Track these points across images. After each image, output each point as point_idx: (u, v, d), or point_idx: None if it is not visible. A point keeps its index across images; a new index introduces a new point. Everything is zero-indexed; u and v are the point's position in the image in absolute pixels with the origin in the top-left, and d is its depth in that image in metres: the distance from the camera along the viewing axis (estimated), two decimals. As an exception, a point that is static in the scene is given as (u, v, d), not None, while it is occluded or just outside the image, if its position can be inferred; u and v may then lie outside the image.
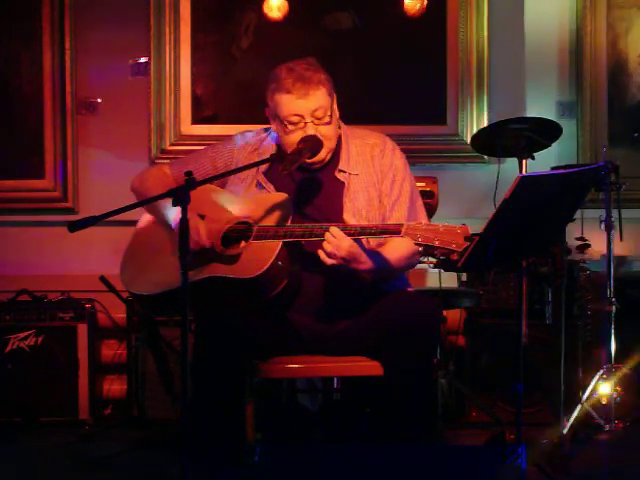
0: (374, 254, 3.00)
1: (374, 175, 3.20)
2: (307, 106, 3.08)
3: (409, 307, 3.00)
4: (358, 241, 2.92)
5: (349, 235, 2.89)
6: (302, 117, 3.09)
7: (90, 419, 4.38)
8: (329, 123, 3.12)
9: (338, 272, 2.96)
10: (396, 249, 3.05)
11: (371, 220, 3.13)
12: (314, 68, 3.13)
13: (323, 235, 2.92)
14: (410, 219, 3.12)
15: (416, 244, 2.78)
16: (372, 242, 3.07)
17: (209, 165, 3.29)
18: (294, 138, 3.10)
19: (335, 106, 3.20)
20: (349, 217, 3.08)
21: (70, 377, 4.38)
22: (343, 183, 3.18)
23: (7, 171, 4.83)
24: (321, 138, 3.10)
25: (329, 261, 2.88)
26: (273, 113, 3.16)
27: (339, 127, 3.24)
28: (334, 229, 2.87)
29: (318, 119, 3.10)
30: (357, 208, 3.14)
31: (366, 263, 2.94)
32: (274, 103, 3.13)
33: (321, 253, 2.88)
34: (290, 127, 3.11)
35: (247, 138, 3.32)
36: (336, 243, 2.86)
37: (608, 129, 4.94)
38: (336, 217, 3.10)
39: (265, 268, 2.94)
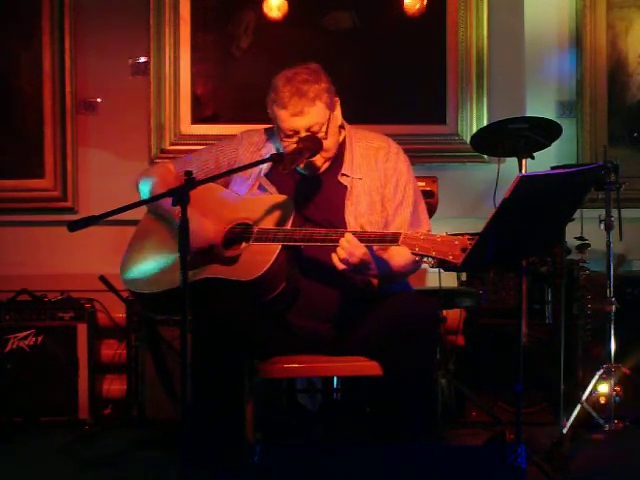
0: (382, 261, 3.02)
1: (377, 179, 3.19)
2: (301, 123, 3.08)
3: (409, 307, 3.00)
4: (369, 248, 2.92)
5: None
6: (297, 132, 3.10)
7: (90, 419, 4.38)
8: (324, 138, 3.11)
9: (338, 275, 2.97)
10: (401, 256, 3.05)
11: (373, 224, 3.12)
12: (314, 78, 3.11)
13: (323, 240, 2.93)
14: (413, 224, 3.13)
15: (413, 254, 2.79)
16: (375, 246, 3.07)
17: (213, 164, 3.29)
18: (289, 149, 3.10)
19: (337, 112, 3.18)
20: (351, 220, 3.08)
21: (70, 377, 4.38)
22: (346, 187, 3.17)
23: (7, 171, 4.83)
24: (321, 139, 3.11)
25: (341, 266, 2.89)
26: (272, 120, 3.17)
27: (343, 128, 3.24)
28: (349, 235, 2.87)
29: (314, 133, 3.10)
30: (359, 212, 3.14)
31: (375, 270, 2.97)
32: (272, 113, 3.14)
33: (334, 257, 2.89)
34: (286, 140, 3.11)
35: (251, 138, 3.32)
36: (350, 250, 2.86)
37: (608, 129, 4.93)
38: (338, 220, 3.10)
39: (264, 271, 2.94)
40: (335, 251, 2.89)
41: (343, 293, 3.09)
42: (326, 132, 3.11)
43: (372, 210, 3.15)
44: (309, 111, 3.07)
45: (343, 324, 3.11)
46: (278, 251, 2.97)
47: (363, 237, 2.89)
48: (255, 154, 3.26)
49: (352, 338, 3.08)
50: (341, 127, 3.23)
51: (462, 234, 2.75)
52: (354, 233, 2.90)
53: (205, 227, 3.05)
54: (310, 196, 3.17)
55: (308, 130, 3.08)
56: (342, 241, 2.87)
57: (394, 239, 2.83)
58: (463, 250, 2.70)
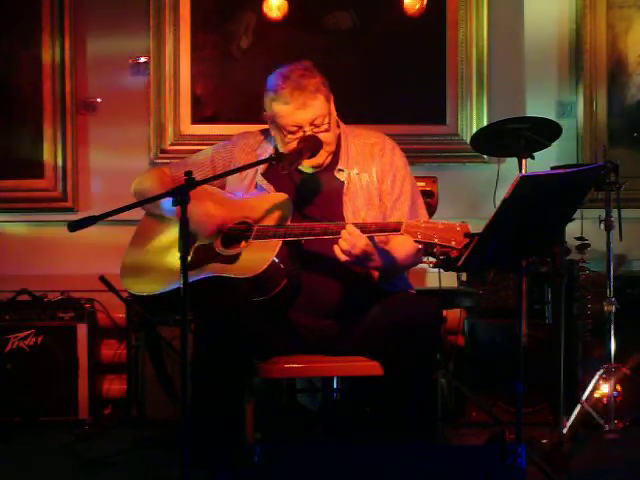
0: (384, 252, 3.02)
1: (374, 174, 3.20)
2: (306, 117, 3.09)
3: (410, 308, 3.00)
4: (371, 239, 2.92)
5: None
6: (301, 127, 3.10)
7: (90, 419, 4.38)
8: (327, 130, 3.12)
9: (340, 271, 2.97)
10: (403, 247, 3.06)
11: (372, 218, 3.12)
12: (309, 73, 3.12)
13: (323, 233, 2.93)
14: (411, 217, 3.13)
15: (416, 242, 2.78)
16: (376, 239, 3.07)
17: (208, 166, 3.30)
18: (292, 146, 3.10)
19: (333, 108, 3.19)
20: (349, 216, 3.09)
21: (70, 377, 4.38)
22: (343, 182, 3.18)
23: (7, 171, 4.83)
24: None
25: (343, 258, 2.89)
26: (271, 120, 3.16)
27: (338, 126, 3.24)
28: (350, 227, 2.88)
29: (317, 127, 3.10)
30: (357, 207, 3.15)
31: (377, 261, 2.97)
32: (272, 112, 3.13)
33: (336, 249, 2.89)
34: (289, 136, 3.11)
35: (246, 139, 3.33)
36: (352, 241, 2.86)
37: (608, 129, 4.93)
38: (336, 216, 3.11)
39: (265, 267, 2.94)
40: (337, 244, 2.89)
41: (345, 288, 3.09)
42: (329, 123, 3.11)
43: (370, 205, 3.16)
44: (312, 104, 3.08)
45: (344, 321, 3.11)
46: (278, 247, 2.97)
47: (365, 228, 2.90)
48: (250, 155, 3.27)
49: (353, 336, 3.08)
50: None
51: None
52: (356, 225, 2.91)
53: (210, 213, 3.06)
54: (308, 194, 3.17)
55: (312, 124, 3.09)
56: (344, 233, 2.87)
57: (396, 228, 2.83)
58: (466, 235, 2.70)
